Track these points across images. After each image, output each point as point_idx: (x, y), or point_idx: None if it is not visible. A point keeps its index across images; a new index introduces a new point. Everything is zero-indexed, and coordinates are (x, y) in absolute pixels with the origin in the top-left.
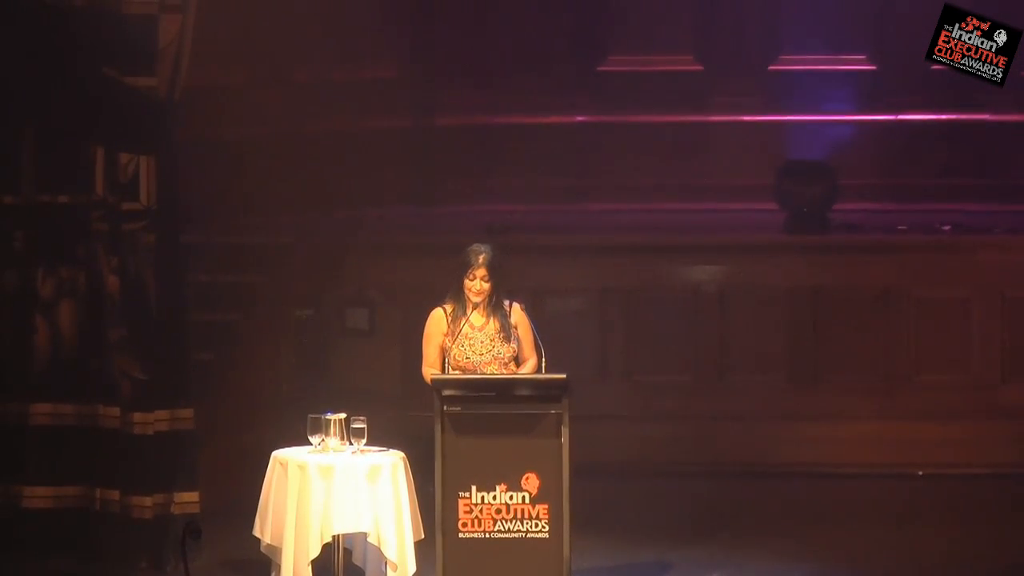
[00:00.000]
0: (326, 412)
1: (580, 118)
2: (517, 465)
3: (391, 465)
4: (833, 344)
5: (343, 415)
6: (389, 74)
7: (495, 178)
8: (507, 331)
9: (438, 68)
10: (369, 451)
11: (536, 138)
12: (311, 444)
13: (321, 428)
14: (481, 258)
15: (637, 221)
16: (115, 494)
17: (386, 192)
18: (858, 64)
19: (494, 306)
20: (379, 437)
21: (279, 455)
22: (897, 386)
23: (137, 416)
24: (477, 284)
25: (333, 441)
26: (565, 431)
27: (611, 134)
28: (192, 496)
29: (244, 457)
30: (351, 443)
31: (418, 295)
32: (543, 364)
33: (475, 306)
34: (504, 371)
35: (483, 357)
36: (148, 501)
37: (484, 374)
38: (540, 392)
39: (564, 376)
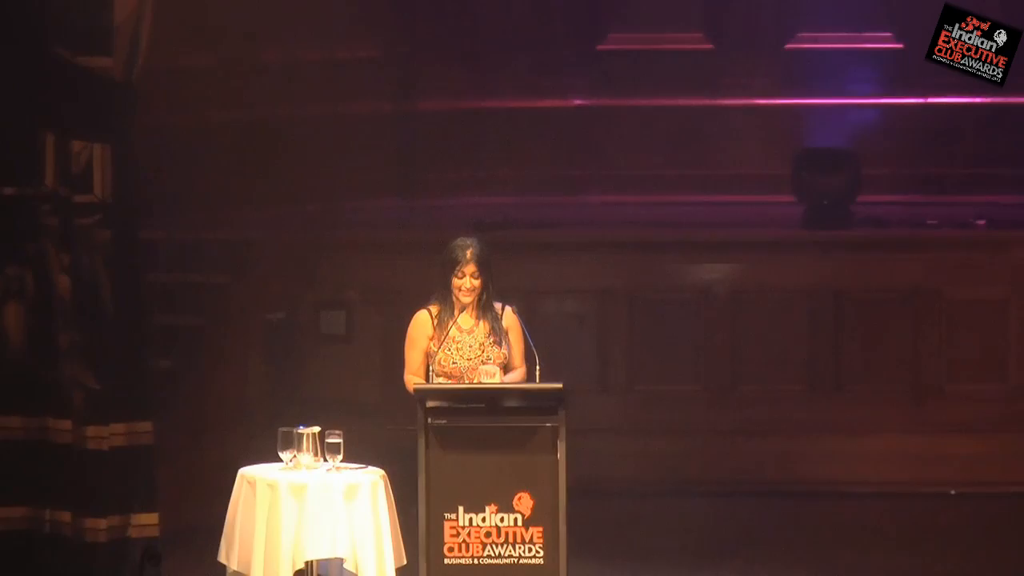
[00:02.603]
0: (298, 425)
1: (578, 102)
2: (509, 484)
3: (370, 484)
4: (856, 350)
5: (317, 429)
6: (367, 54)
7: (484, 168)
8: (498, 335)
9: (421, 47)
10: (346, 468)
11: (529, 124)
12: (282, 461)
13: (293, 443)
14: (469, 253)
15: (640, 215)
16: (66, 516)
17: (365, 183)
18: (883, 42)
19: (484, 307)
20: (357, 453)
21: (247, 473)
22: (927, 396)
23: (91, 430)
24: (467, 282)
25: (306, 457)
26: (561, 446)
27: (612, 119)
28: (151, 518)
29: (208, 475)
30: (326, 459)
31: (400, 297)
32: (537, 373)
33: (464, 307)
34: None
35: (470, 363)
36: (103, 523)
37: (470, 382)
38: (534, 403)
39: (560, 386)
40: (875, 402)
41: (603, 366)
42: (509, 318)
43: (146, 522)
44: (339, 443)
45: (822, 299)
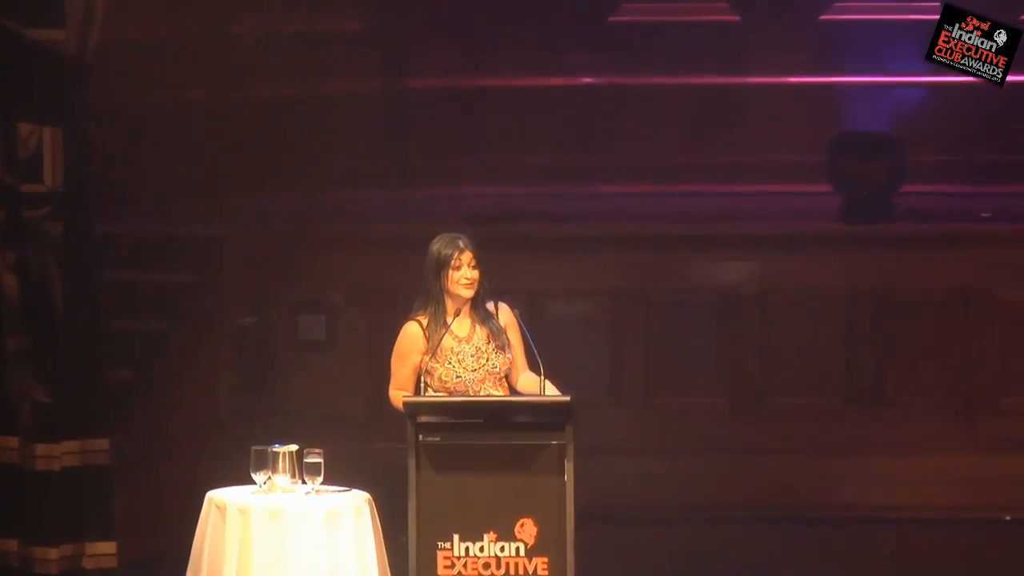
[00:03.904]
0: (274, 443)
1: (587, 80)
2: (510, 509)
3: (354, 509)
4: (899, 359)
5: (295, 447)
6: (352, 27)
7: (482, 155)
8: (500, 338)
9: (412, 19)
10: (327, 491)
11: (533, 105)
12: (255, 483)
13: (267, 463)
14: (462, 242)
15: (658, 207)
16: (13, 544)
17: (349, 172)
18: (929, 13)
19: (478, 308)
20: (340, 474)
21: (216, 496)
22: (979, 411)
23: (40, 448)
24: (467, 272)
25: (282, 479)
26: (569, 467)
27: (625, 100)
28: (108, 547)
29: (172, 499)
30: (304, 481)
31: (389, 298)
32: (541, 383)
33: (460, 307)
34: (500, 389)
35: (475, 374)
36: (54, 553)
37: (476, 396)
38: (539, 418)
39: (568, 399)
40: (921, 417)
41: (616, 376)
42: (505, 315)
43: (103, 551)
44: (319, 463)
45: (861, 302)
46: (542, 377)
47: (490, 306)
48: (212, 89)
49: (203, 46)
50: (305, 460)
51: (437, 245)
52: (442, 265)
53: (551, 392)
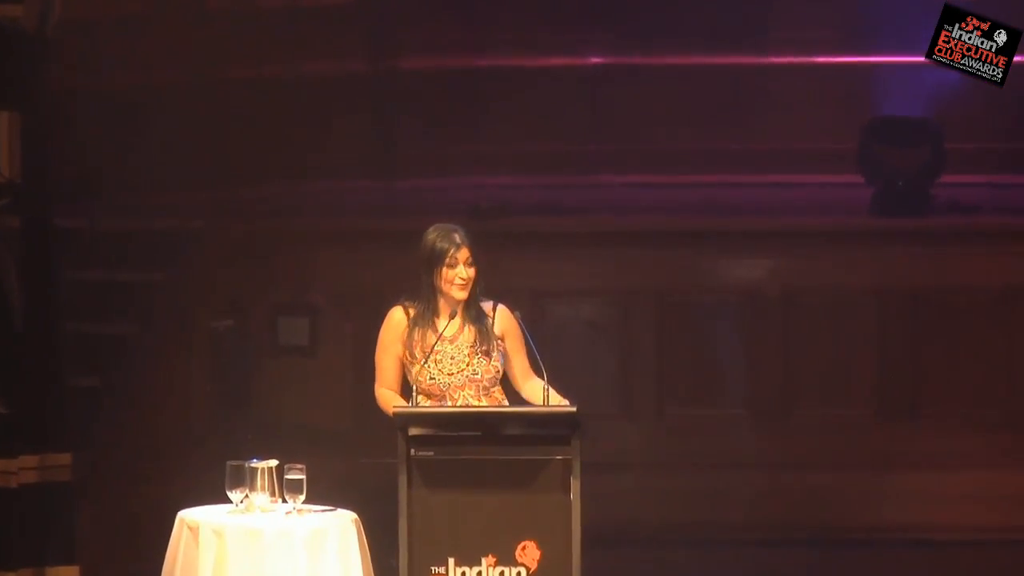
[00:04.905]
0: (251, 458)
1: (595, 60)
2: (510, 530)
3: (339, 530)
4: (938, 366)
5: (274, 462)
6: (336, 0)
7: (481, 142)
8: (488, 343)
9: None
10: (309, 511)
11: (536, 87)
12: (231, 502)
13: (245, 480)
14: (458, 236)
15: (673, 199)
16: None
17: (334, 161)
18: None
19: (469, 308)
20: (323, 492)
21: (188, 516)
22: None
23: None
24: (462, 271)
25: (261, 498)
26: (575, 484)
27: (637, 81)
28: (70, 571)
29: (140, 519)
30: (285, 500)
31: (376, 300)
32: (544, 393)
33: (457, 305)
34: (484, 399)
35: (453, 378)
36: None
37: (454, 403)
38: (542, 431)
39: (574, 409)
40: (960, 430)
41: (626, 385)
42: (504, 319)
43: None
44: (301, 480)
45: (895, 303)
46: (545, 386)
47: (487, 306)
48: (184, 69)
49: (174, 22)
50: (286, 477)
51: (432, 236)
52: (435, 261)
53: (556, 402)
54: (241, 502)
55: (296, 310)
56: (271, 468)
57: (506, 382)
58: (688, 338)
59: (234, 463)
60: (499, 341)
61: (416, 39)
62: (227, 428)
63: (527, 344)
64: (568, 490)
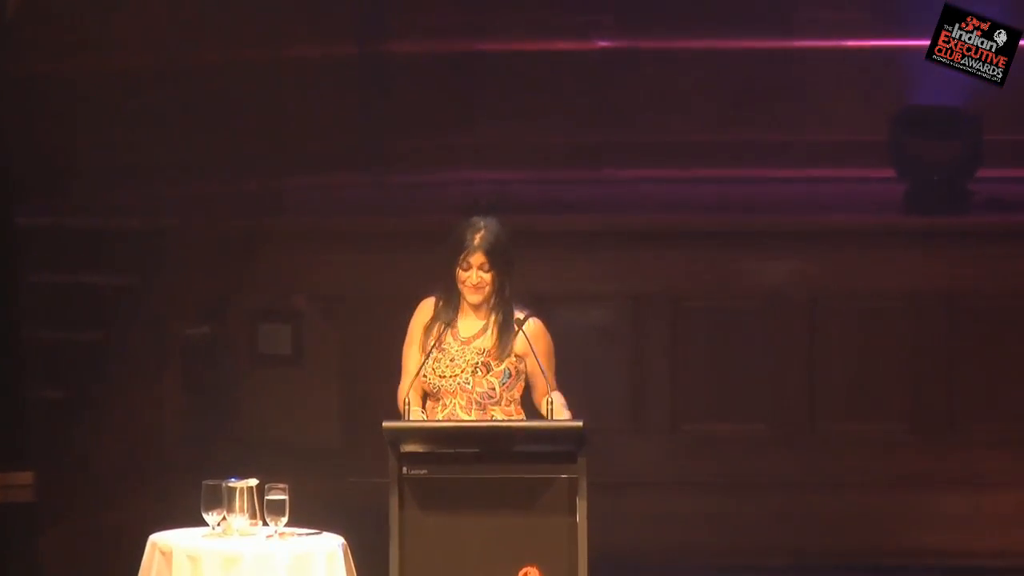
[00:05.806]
0: (229, 477)
1: (602, 44)
2: (511, 554)
3: (326, 555)
4: (977, 377)
5: (254, 481)
6: None
7: (478, 133)
8: (499, 358)
9: None
10: (293, 534)
11: (538, 74)
12: (207, 524)
13: (222, 500)
14: (478, 237)
15: (687, 195)
16: None
17: (319, 154)
18: None
19: (496, 311)
20: (308, 514)
21: (160, 540)
22: None
23: None
24: (473, 276)
25: (239, 520)
26: (582, 505)
27: (647, 68)
28: None
29: (108, 542)
30: (266, 523)
31: (363, 306)
32: (549, 405)
33: (474, 308)
34: (475, 414)
35: (444, 382)
36: None
37: (444, 409)
38: (546, 447)
39: (580, 424)
40: (1001, 446)
41: (638, 397)
42: (536, 334)
43: None
44: (284, 501)
45: (930, 307)
46: (548, 398)
47: (519, 316)
48: (155, 55)
49: (145, 2)
50: (267, 497)
51: (458, 229)
52: (452, 257)
53: (560, 416)
54: (218, 525)
55: (278, 316)
56: (251, 488)
57: (528, 403)
58: (705, 346)
59: (210, 482)
60: (517, 359)
61: (408, 21)
62: (203, 444)
63: (550, 365)
64: (574, 512)
